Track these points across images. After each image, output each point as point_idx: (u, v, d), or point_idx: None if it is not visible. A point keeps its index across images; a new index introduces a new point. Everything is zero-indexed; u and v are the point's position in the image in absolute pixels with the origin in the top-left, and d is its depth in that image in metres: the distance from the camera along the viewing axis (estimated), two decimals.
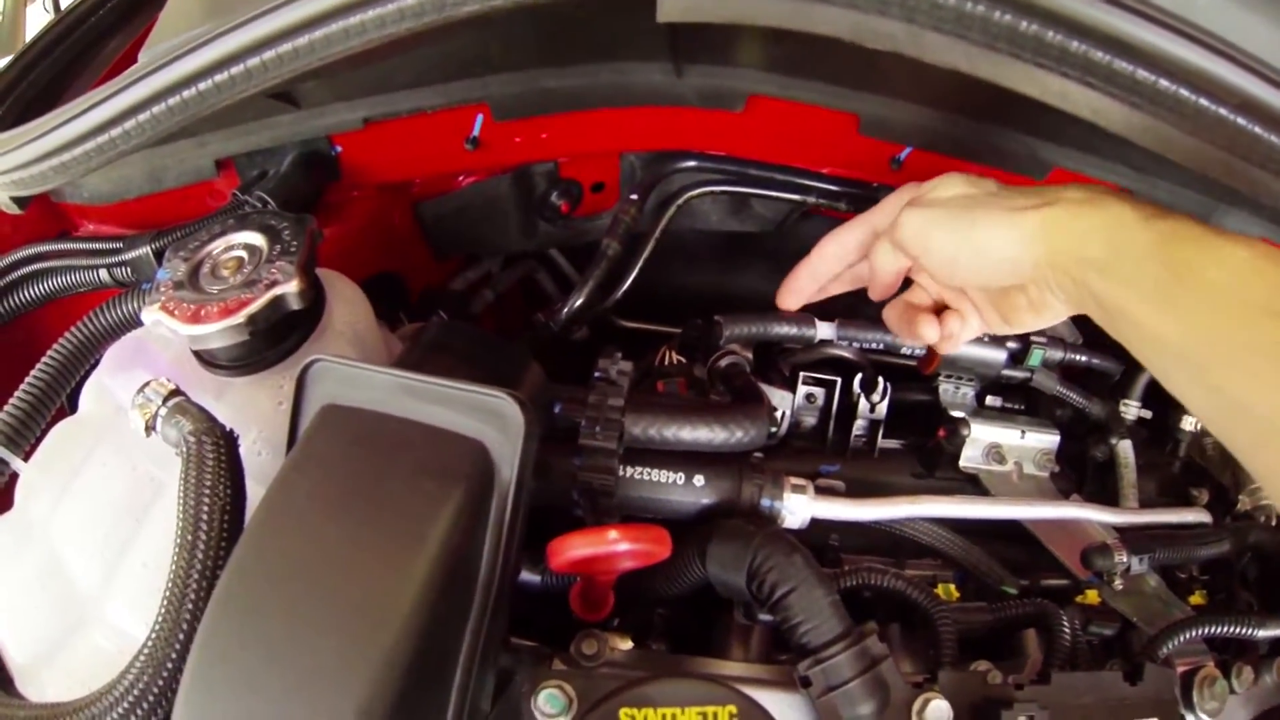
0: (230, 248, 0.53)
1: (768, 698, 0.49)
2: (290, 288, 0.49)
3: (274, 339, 0.52)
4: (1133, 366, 0.75)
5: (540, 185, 0.68)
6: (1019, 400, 0.75)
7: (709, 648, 0.56)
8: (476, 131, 0.60)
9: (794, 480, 0.55)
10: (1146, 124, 0.41)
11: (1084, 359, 0.73)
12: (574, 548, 0.40)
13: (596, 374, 0.54)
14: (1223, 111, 0.39)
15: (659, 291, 0.76)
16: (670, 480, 0.54)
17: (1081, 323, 0.78)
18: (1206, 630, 0.60)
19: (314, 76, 0.55)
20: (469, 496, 0.40)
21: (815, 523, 0.58)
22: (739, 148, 0.65)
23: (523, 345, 0.57)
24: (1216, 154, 0.42)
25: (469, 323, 0.57)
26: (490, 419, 0.41)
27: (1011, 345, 0.69)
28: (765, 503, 0.54)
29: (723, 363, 0.61)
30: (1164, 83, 0.38)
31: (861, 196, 0.68)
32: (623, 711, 0.36)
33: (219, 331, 0.48)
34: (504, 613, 0.43)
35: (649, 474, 0.54)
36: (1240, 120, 0.39)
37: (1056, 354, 0.71)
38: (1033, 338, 0.69)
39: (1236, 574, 0.72)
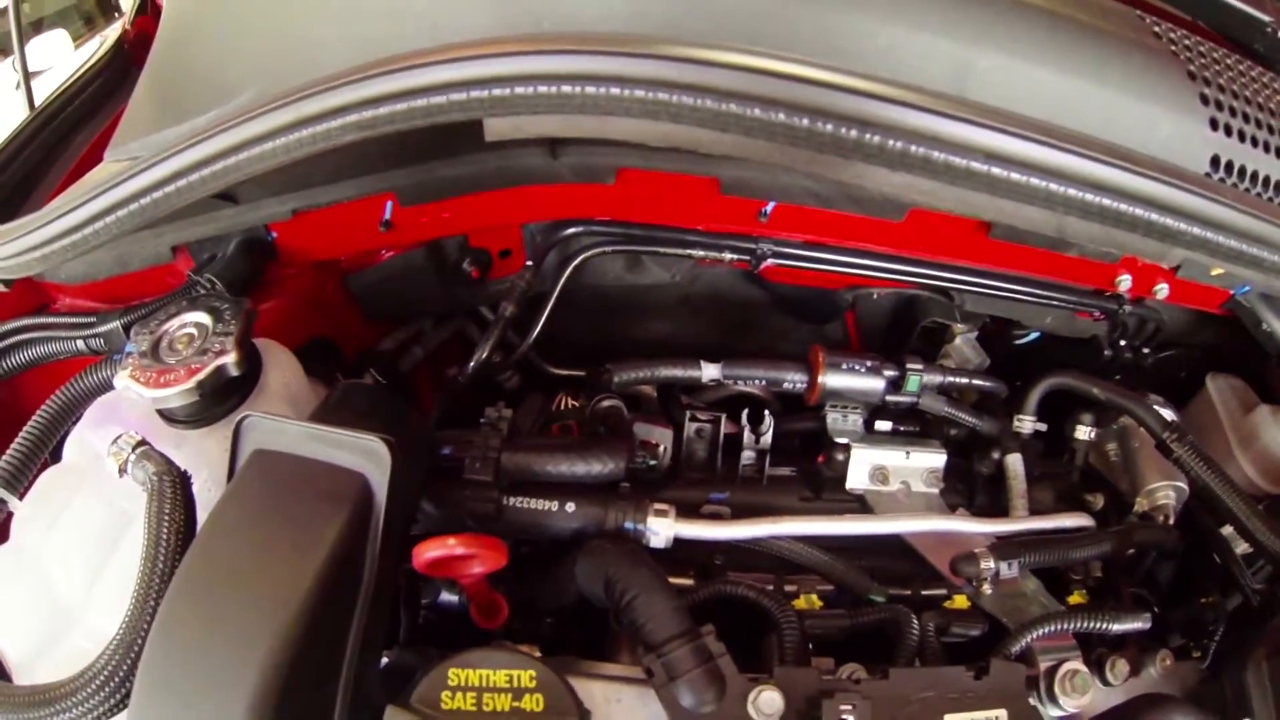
0: (184, 325, 0.80)
1: (629, 691, 0.72)
2: (229, 359, 0.75)
3: (220, 399, 0.78)
4: (1024, 383, 0.96)
5: (453, 255, 0.93)
6: (914, 423, 0.96)
7: (601, 653, 0.78)
8: (388, 215, 0.86)
9: (657, 505, 0.78)
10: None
11: (965, 380, 0.94)
12: (424, 551, 0.63)
13: (482, 420, 0.78)
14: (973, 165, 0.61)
15: (586, 342, 1.00)
16: (546, 508, 0.77)
17: (985, 341, 1.00)
18: (1054, 628, 0.79)
19: (248, 180, 0.82)
20: (352, 515, 0.65)
21: (698, 544, 0.80)
22: (619, 213, 0.89)
23: (399, 399, 0.81)
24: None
25: (373, 386, 0.80)
26: (369, 457, 0.66)
27: (889, 373, 0.91)
28: (628, 525, 0.76)
29: (601, 406, 0.84)
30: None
31: (740, 247, 0.91)
32: (451, 671, 0.59)
33: (175, 394, 0.74)
34: (385, 609, 0.66)
35: (529, 503, 0.77)
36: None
37: (935, 378, 0.93)
38: (909, 364, 0.91)
39: (1124, 572, 0.91)
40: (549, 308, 0.92)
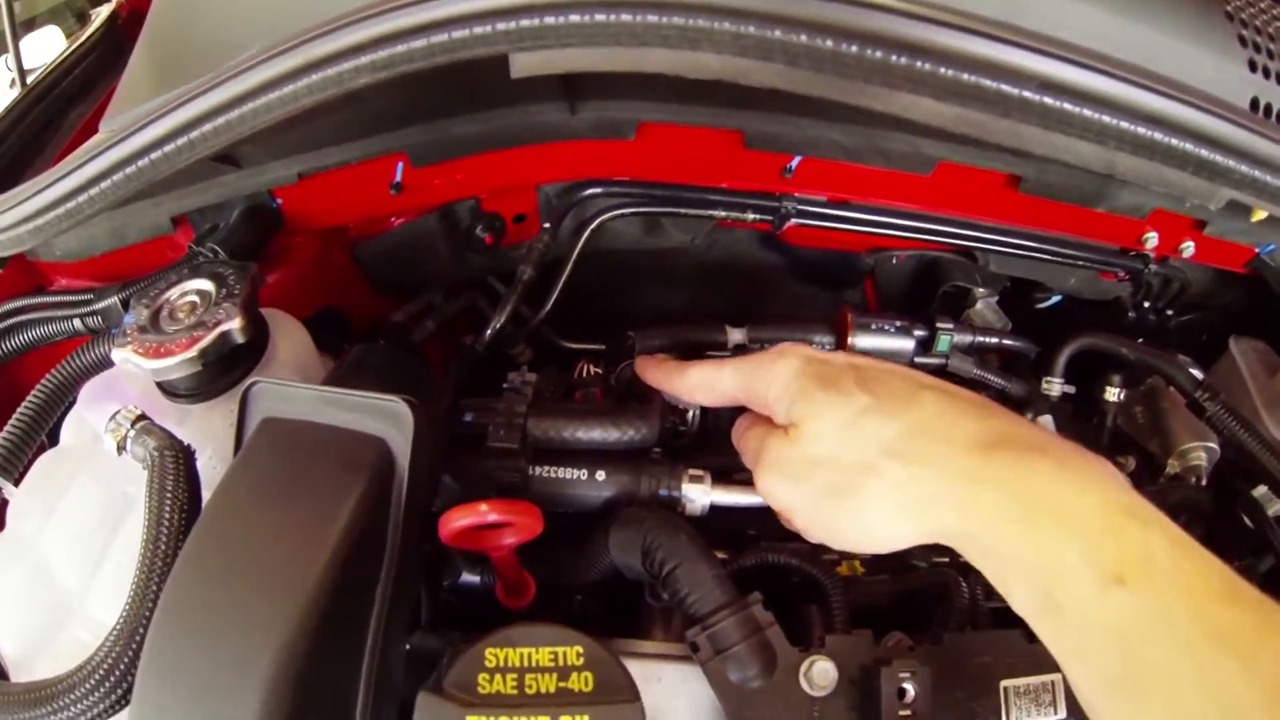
0: (185, 294, 0.71)
1: (670, 669, 0.64)
2: (234, 324, 0.67)
3: (224, 370, 0.70)
4: (1052, 344, 0.89)
5: (465, 220, 0.85)
6: None
7: (633, 632, 0.71)
8: (399, 178, 0.79)
9: (692, 471, 0.70)
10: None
11: (995, 341, 0.87)
12: (453, 519, 0.56)
13: (505, 385, 0.71)
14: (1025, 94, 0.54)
15: (601, 311, 0.93)
16: (575, 476, 0.70)
17: (1005, 305, 0.94)
18: None
19: (251, 141, 0.74)
20: (372, 482, 0.57)
21: (730, 515, 0.72)
22: (639, 171, 0.82)
23: (419, 359, 0.74)
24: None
25: (390, 347, 0.73)
26: (389, 419, 0.58)
27: (919, 333, 0.84)
28: (663, 492, 0.69)
29: (628, 372, 0.77)
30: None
31: (764, 206, 0.84)
32: (488, 651, 0.51)
33: (176, 364, 0.66)
34: (411, 582, 0.59)
35: (556, 472, 0.70)
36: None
37: (965, 338, 0.86)
38: (939, 324, 0.84)
39: None
40: (566, 274, 0.84)
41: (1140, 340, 0.96)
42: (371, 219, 0.83)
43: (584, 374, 0.82)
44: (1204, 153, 0.62)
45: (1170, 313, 1.00)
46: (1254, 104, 0.77)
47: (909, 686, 0.60)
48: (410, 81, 0.72)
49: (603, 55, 0.56)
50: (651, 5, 0.52)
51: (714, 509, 0.71)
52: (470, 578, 0.73)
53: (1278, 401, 0.97)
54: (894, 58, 0.52)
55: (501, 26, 0.54)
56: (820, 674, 0.61)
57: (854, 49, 0.52)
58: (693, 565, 0.62)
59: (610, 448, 0.69)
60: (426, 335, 0.91)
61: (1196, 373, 0.87)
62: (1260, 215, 0.84)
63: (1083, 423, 0.92)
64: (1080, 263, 0.95)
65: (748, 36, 0.52)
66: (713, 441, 0.83)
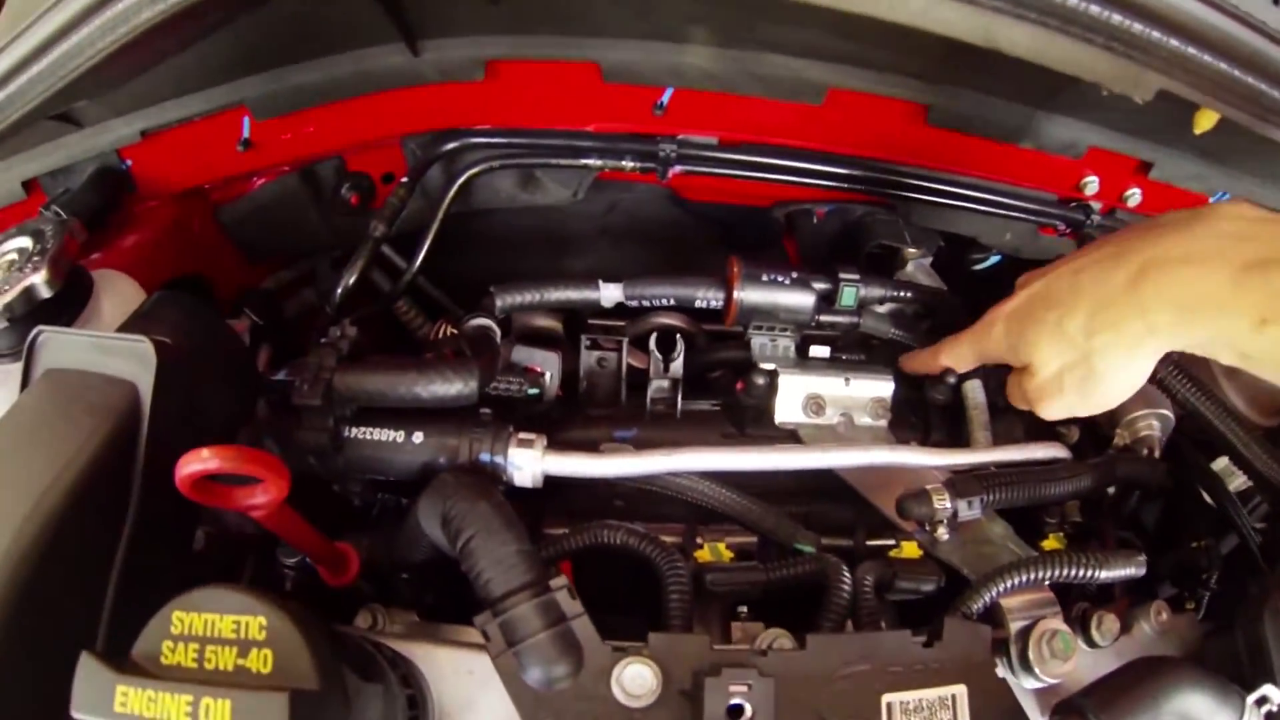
0: (5, 253, 0.68)
1: (482, 662, 0.55)
2: (38, 278, 0.64)
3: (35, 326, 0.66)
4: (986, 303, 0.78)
5: (330, 180, 0.81)
6: (860, 351, 0.79)
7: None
8: (246, 133, 0.75)
9: (522, 435, 0.62)
10: None
11: (911, 295, 0.77)
12: (182, 466, 0.49)
13: (322, 340, 0.64)
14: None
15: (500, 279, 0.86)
16: (390, 439, 0.63)
17: (940, 270, 0.83)
18: (1027, 577, 0.61)
19: (86, 95, 0.71)
20: (117, 427, 0.51)
21: (594, 487, 0.64)
22: (498, 118, 0.76)
23: (215, 313, 0.69)
24: None
25: (184, 296, 0.67)
26: (139, 361, 0.53)
27: (820, 286, 0.74)
28: (485, 458, 0.61)
29: (469, 325, 0.69)
30: None
31: (642, 151, 0.76)
32: (175, 615, 0.44)
33: None
34: (166, 537, 0.52)
35: (371, 433, 0.63)
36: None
37: (875, 291, 0.75)
38: (842, 275, 0.74)
39: (1107, 512, 0.72)
40: (433, 233, 0.79)
41: None
42: (231, 181, 0.79)
43: (441, 334, 0.75)
44: (1115, 17, 0.53)
45: None
46: None
47: (743, 703, 0.50)
48: (245, 28, 0.69)
49: None
50: None
51: (569, 482, 0.62)
52: (290, 556, 0.66)
53: (1237, 369, 0.83)
54: None
55: None
56: (634, 679, 0.52)
57: None
58: (489, 537, 0.54)
59: (425, 405, 0.62)
60: (307, 308, 0.85)
61: None
62: (1206, 124, 0.72)
63: None
64: (1015, 214, 0.83)
65: None
66: (584, 413, 0.75)
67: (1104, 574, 0.62)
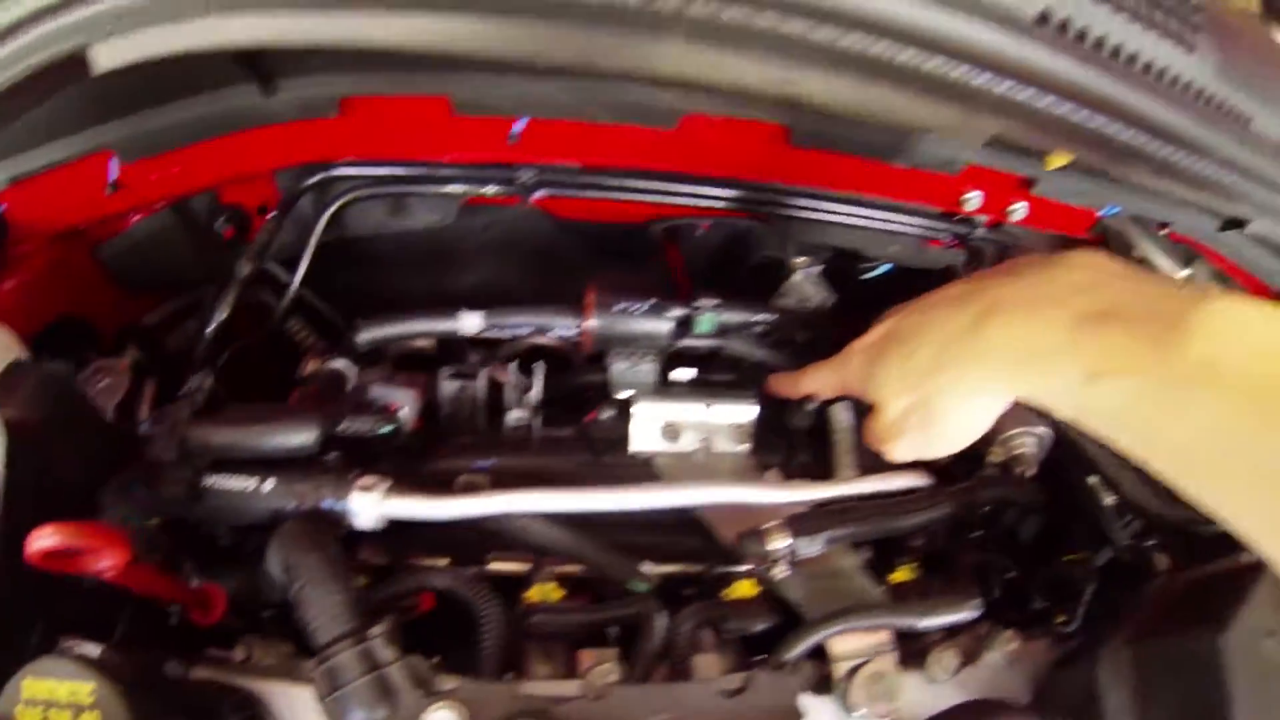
0: None
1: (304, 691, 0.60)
2: None
3: None
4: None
5: (203, 214, 0.83)
6: (730, 371, 0.81)
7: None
8: (114, 176, 0.77)
9: (363, 480, 0.66)
10: None
11: (776, 318, 0.79)
12: (30, 543, 0.53)
13: (180, 393, 0.68)
14: None
15: (393, 298, 0.89)
16: (242, 487, 0.66)
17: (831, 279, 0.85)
18: (836, 629, 0.64)
19: None
20: None
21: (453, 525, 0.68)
22: (355, 150, 0.78)
23: (70, 376, 0.72)
24: None
25: (39, 363, 0.69)
26: None
27: (676, 313, 0.76)
28: (326, 504, 0.65)
29: (324, 370, 0.73)
30: None
31: (502, 178, 0.78)
32: (25, 682, 0.50)
33: None
34: (28, 607, 0.57)
35: (226, 482, 0.67)
36: None
37: (734, 317, 0.78)
38: (699, 301, 0.76)
39: (965, 540, 0.75)
40: (306, 262, 0.82)
41: None
42: (106, 219, 0.82)
43: (308, 371, 0.78)
44: (930, 63, 0.53)
45: None
46: (1043, 18, 0.66)
47: None
48: (100, 76, 0.71)
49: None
50: None
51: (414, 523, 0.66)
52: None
53: None
54: None
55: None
56: None
57: None
58: (317, 587, 0.58)
59: (270, 456, 0.65)
60: (189, 339, 0.89)
61: None
62: (1059, 162, 0.73)
63: None
64: (896, 228, 0.84)
65: None
66: (447, 443, 0.79)
67: (923, 623, 0.66)
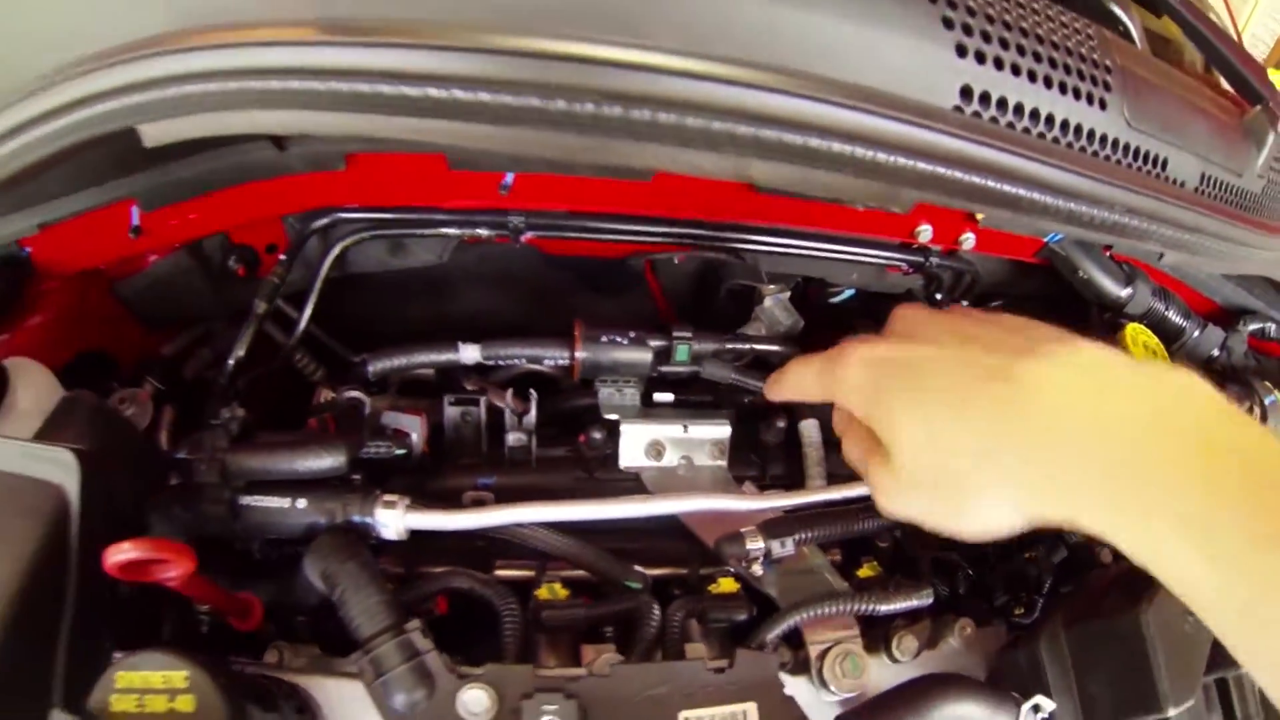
0: None
1: (346, 687, 0.76)
2: None
3: None
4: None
5: (216, 254, 0.97)
6: (707, 392, 0.98)
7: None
8: (135, 222, 0.91)
9: (386, 497, 0.81)
10: None
11: (747, 347, 0.96)
12: (109, 556, 0.68)
13: (215, 421, 0.83)
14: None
15: (395, 330, 1.04)
16: (278, 505, 0.81)
17: (798, 303, 1.02)
18: (809, 614, 0.81)
19: None
20: (49, 526, 0.69)
21: (462, 534, 0.83)
22: (358, 198, 0.93)
23: (112, 409, 0.85)
24: None
25: (87, 396, 0.83)
26: (61, 467, 0.70)
27: (656, 344, 0.93)
28: (355, 519, 0.80)
29: (343, 399, 0.88)
30: None
31: (494, 222, 0.94)
32: (119, 675, 0.64)
33: None
34: (103, 614, 0.71)
35: (262, 501, 0.82)
36: None
37: (709, 346, 0.94)
38: (676, 333, 0.93)
39: (927, 538, 0.93)
40: (313, 300, 0.96)
41: None
42: (125, 259, 0.96)
43: (321, 399, 0.93)
44: (856, 150, 0.69)
45: (966, 303, 1.06)
46: (965, 92, 0.83)
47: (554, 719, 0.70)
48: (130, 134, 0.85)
49: (231, 120, 0.67)
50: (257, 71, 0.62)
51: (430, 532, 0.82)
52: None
53: None
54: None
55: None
56: (473, 701, 0.73)
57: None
58: (356, 590, 0.74)
59: (303, 477, 0.80)
60: (205, 367, 1.03)
61: None
62: (982, 215, 0.90)
63: None
64: (856, 259, 1.01)
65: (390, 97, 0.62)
66: (453, 463, 0.94)
67: (884, 608, 0.84)
